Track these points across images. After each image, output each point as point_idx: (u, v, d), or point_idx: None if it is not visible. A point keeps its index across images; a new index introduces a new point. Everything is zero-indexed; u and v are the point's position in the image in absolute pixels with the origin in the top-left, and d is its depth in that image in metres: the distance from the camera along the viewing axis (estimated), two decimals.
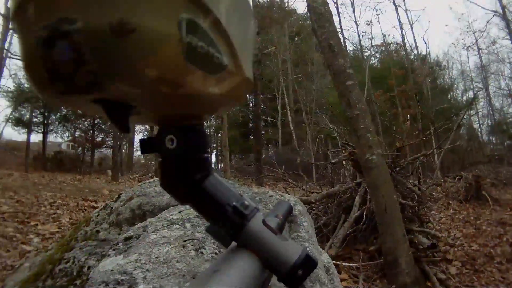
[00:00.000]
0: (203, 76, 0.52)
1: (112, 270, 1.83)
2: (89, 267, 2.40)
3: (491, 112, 48.35)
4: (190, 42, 0.49)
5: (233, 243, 0.68)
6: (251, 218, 0.67)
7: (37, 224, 8.59)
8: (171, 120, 0.61)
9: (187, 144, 0.61)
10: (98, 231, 2.91)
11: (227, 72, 0.56)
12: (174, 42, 0.48)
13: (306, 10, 38.13)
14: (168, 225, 2.20)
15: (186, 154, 0.62)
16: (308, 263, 0.68)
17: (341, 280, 6.17)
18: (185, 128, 0.61)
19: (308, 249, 2.41)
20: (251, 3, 0.64)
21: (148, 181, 3.45)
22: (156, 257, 1.86)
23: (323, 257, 2.70)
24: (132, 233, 2.31)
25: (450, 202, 14.81)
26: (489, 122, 49.66)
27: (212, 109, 0.66)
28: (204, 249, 1.97)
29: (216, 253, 1.94)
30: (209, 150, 0.69)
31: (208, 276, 0.57)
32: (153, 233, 2.13)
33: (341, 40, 7.95)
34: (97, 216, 3.19)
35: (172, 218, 2.27)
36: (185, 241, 2.01)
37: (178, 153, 0.61)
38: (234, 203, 0.65)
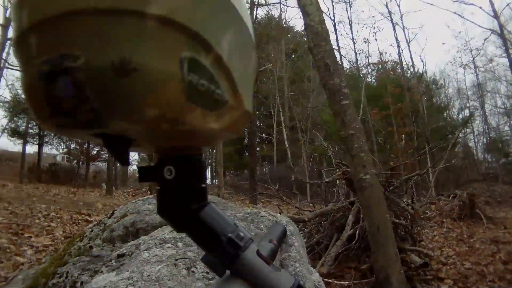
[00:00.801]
0: (203, 113, 0.53)
1: (104, 286, 1.85)
2: (82, 283, 2.41)
3: (487, 130, 48.44)
4: (191, 80, 0.50)
5: (228, 272, 0.69)
6: (245, 249, 0.68)
7: (31, 236, 8.56)
8: (170, 151, 0.62)
9: (185, 175, 0.63)
10: (91, 247, 2.92)
11: (227, 107, 0.57)
12: (176, 81, 0.49)
13: (303, 27, 38.36)
14: (160, 244, 2.21)
15: (184, 184, 0.63)
16: None
17: None
18: (183, 158, 0.63)
19: (298, 269, 2.44)
20: (253, 35, 0.64)
21: (141, 198, 3.45)
22: (148, 275, 1.88)
23: (314, 277, 2.72)
24: (125, 251, 2.32)
25: (444, 220, 14.74)
26: (485, 140, 49.71)
27: (211, 141, 0.67)
28: (196, 268, 1.98)
29: (207, 272, 1.96)
30: (206, 180, 0.70)
31: None
32: (145, 251, 2.15)
33: (338, 57, 7.97)
34: (91, 231, 3.19)
35: (164, 237, 2.28)
36: (176, 259, 2.02)
37: (176, 183, 0.62)
38: (229, 235, 0.67)
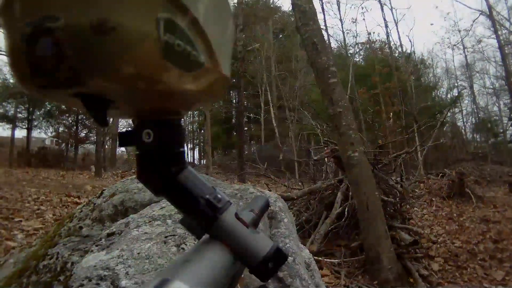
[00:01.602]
0: (179, 73, 0.54)
1: (95, 266, 1.85)
2: (72, 263, 2.41)
3: (476, 110, 48.62)
4: (167, 40, 0.51)
5: (206, 235, 0.70)
6: (223, 211, 0.69)
7: (21, 220, 8.57)
8: (148, 114, 0.63)
9: (163, 138, 0.63)
10: (81, 227, 2.92)
11: (204, 69, 0.57)
12: (152, 40, 0.50)
13: (290, 7, 38.20)
14: (149, 221, 2.21)
15: (162, 148, 0.64)
16: (278, 256, 0.71)
17: (323, 276, 6.20)
18: (162, 122, 0.63)
19: (288, 245, 2.45)
20: (230, 2, 0.65)
21: (130, 177, 3.44)
22: (138, 253, 1.88)
23: (304, 253, 2.73)
24: (114, 229, 2.32)
25: (433, 199, 14.84)
26: (473, 120, 49.91)
27: (189, 105, 0.67)
28: (185, 245, 1.98)
29: None
30: (185, 144, 0.71)
31: (178, 266, 0.58)
32: (135, 229, 2.15)
33: (326, 37, 7.94)
34: (80, 212, 3.19)
35: (153, 214, 2.28)
36: (166, 237, 2.02)
37: (154, 147, 0.63)
38: (207, 196, 0.67)
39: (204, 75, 0.58)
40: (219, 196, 0.69)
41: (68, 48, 0.47)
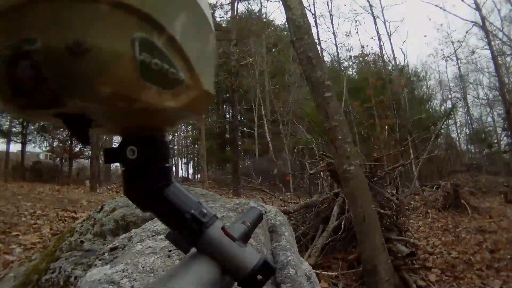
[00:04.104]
0: (158, 91, 0.55)
1: (99, 279, 1.86)
2: (75, 277, 2.42)
3: (469, 122, 48.70)
4: (143, 59, 0.52)
5: (193, 250, 0.71)
6: (209, 226, 0.69)
7: (18, 234, 8.53)
8: (132, 131, 0.64)
9: (147, 155, 0.65)
10: (82, 242, 2.93)
11: (184, 86, 0.58)
12: (127, 60, 0.51)
13: (283, 21, 38.12)
14: (153, 236, 2.23)
15: (146, 164, 0.65)
16: (266, 269, 0.72)
17: None
18: (145, 139, 0.65)
19: (290, 258, 2.46)
20: (209, 17, 0.66)
21: None
22: (142, 267, 1.89)
23: (304, 266, 2.74)
24: (117, 243, 2.34)
25: (429, 211, 14.83)
26: (467, 131, 49.98)
27: (172, 121, 0.69)
28: None
29: None
30: (170, 159, 0.72)
31: (164, 280, 0.60)
32: (138, 243, 2.16)
33: (319, 51, 7.97)
34: (81, 226, 3.20)
35: (156, 228, 2.30)
36: (170, 251, 2.04)
37: (139, 163, 0.64)
38: (192, 211, 0.68)
39: (184, 92, 0.59)
40: (204, 210, 0.70)
41: (46, 70, 0.49)
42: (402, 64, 41.50)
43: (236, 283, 0.73)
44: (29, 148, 40.93)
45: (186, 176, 56.08)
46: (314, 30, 36.70)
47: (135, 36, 0.51)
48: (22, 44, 0.48)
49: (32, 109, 0.54)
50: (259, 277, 0.71)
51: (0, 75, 0.51)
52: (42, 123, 34.63)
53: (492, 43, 33.59)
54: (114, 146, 0.66)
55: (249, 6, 42.09)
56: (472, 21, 34.12)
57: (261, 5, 46.10)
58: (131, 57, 0.51)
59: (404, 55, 70.93)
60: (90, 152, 34.33)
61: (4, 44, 0.50)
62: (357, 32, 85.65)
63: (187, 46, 0.58)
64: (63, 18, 0.49)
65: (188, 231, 0.68)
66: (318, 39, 37.40)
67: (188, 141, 56.39)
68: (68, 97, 0.51)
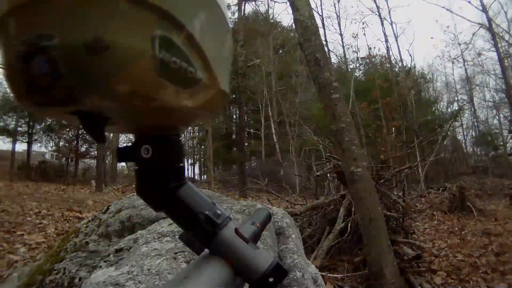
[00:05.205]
0: (176, 90, 0.54)
1: (104, 281, 1.85)
2: (80, 278, 2.40)
3: (476, 124, 48.64)
4: (163, 58, 0.51)
5: (206, 251, 0.71)
6: (223, 227, 0.69)
7: (23, 234, 8.54)
8: (146, 130, 0.63)
9: (161, 154, 0.64)
10: (87, 243, 2.92)
11: (201, 85, 0.58)
12: (147, 58, 0.50)
13: (290, 22, 38.20)
14: (159, 237, 2.21)
15: (161, 163, 0.64)
16: (278, 272, 0.71)
17: None
18: (160, 138, 0.64)
19: (297, 260, 2.45)
20: (227, 18, 0.65)
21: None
22: (148, 269, 1.88)
23: (311, 269, 2.72)
24: (123, 245, 2.32)
25: (435, 213, 14.80)
26: (474, 133, 49.91)
27: (188, 120, 0.68)
28: None
29: None
30: (184, 159, 0.71)
31: (178, 282, 0.59)
32: (144, 245, 2.15)
33: (326, 52, 7.95)
34: (86, 227, 3.19)
35: (162, 230, 2.28)
36: (176, 253, 2.02)
37: (153, 163, 0.63)
38: (206, 212, 0.67)
39: (202, 91, 0.59)
40: (218, 212, 0.69)
41: (63, 67, 0.48)
42: (409, 66, 41.52)
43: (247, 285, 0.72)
44: (35, 147, 41.27)
45: (192, 177, 56.16)
46: (321, 31, 36.80)
47: (155, 33, 0.51)
48: (38, 39, 0.48)
49: (48, 106, 0.53)
50: (271, 279, 0.70)
51: (16, 71, 0.51)
52: (49, 122, 34.93)
53: (499, 45, 33.58)
54: (127, 145, 0.66)
55: (257, 7, 42.18)
56: (478, 23, 34.07)
57: (268, 6, 46.11)
58: (151, 55, 0.51)
59: (411, 57, 71.15)
60: (96, 152, 34.48)
61: (20, 39, 0.49)
62: (364, 34, 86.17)
63: (206, 45, 0.57)
64: (81, 14, 0.48)
65: (201, 232, 0.68)
66: (326, 40, 37.46)
67: (194, 141, 56.46)
68: (85, 95, 0.50)
